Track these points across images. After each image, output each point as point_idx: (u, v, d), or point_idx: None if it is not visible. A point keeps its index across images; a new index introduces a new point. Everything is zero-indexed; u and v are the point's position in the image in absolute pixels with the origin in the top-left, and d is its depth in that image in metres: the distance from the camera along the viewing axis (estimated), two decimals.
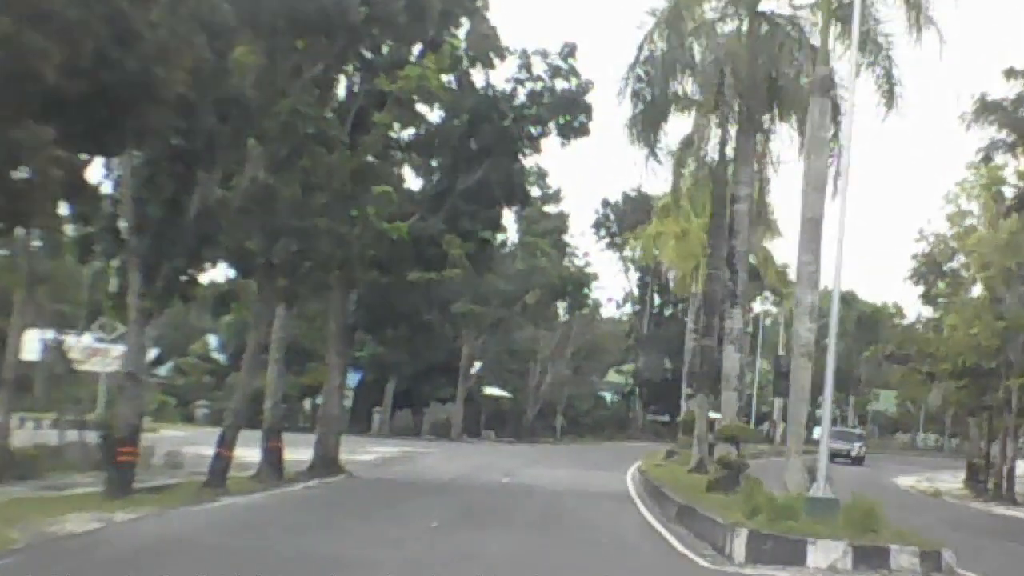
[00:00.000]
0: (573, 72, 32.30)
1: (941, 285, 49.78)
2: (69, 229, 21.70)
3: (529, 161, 34.80)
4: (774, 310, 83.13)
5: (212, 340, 64.83)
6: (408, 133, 30.52)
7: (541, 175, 61.29)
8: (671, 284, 64.65)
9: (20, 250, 24.59)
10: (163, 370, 60.79)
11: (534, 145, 32.68)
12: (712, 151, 28.77)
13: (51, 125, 12.73)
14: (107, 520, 16.29)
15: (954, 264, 48.75)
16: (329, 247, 24.61)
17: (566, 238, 71.33)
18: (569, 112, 32.08)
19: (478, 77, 31.68)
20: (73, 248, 23.17)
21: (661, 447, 51.73)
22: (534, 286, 62.47)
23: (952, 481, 46.04)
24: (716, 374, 32.25)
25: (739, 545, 15.92)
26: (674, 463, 38.47)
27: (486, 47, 30.37)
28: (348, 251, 25.57)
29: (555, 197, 69.92)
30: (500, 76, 32.24)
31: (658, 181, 62.01)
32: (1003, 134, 31.11)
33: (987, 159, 33.24)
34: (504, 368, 70.82)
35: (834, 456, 28.85)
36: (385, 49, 26.94)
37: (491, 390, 70.59)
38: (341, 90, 27.10)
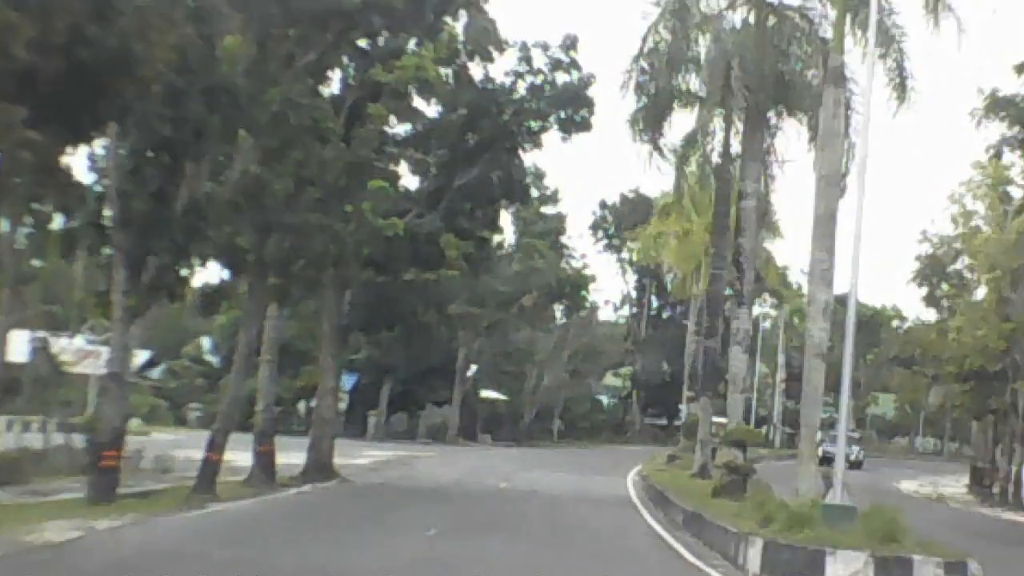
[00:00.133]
0: (574, 65, 31.66)
1: (945, 287, 49.29)
2: (54, 224, 20.97)
3: (527, 160, 34.22)
4: (772, 313, 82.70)
5: (206, 342, 64.23)
6: (404, 129, 29.89)
7: (539, 176, 60.82)
8: (669, 286, 64.22)
9: (4, 248, 23.88)
10: (156, 372, 60.22)
11: (534, 140, 32.00)
12: (717, 147, 28.26)
13: (23, 105, 11.91)
14: (88, 528, 15.66)
15: (958, 265, 48.28)
16: (322, 244, 24.01)
17: (564, 240, 70.97)
18: (570, 106, 31.35)
19: (476, 71, 31.08)
20: (57, 244, 22.34)
21: (660, 451, 51.35)
22: (531, 288, 61.93)
23: (955, 485, 45.76)
24: (719, 376, 31.63)
25: (754, 555, 15.29)
26: (675, 467, 37.93)
27: (485, 40, 29.65)
28: (342, 248, 24.96)
29: (553, 198, 69.68)
30: (499, 70, 31.70)
31: (659, 181, 61.68)
32: (1015, 130, 30.68)
33: (997, 155, 32.87)
34: (501, 371, 70.18)
35: (832, 460, 28.23)
36: (381, 40, 26.19)
37: (488, 393, 70.14)
38: (336, 82, 26.48)
